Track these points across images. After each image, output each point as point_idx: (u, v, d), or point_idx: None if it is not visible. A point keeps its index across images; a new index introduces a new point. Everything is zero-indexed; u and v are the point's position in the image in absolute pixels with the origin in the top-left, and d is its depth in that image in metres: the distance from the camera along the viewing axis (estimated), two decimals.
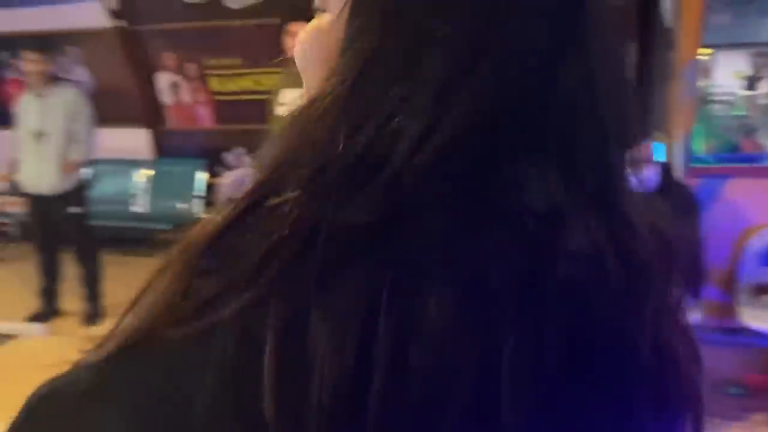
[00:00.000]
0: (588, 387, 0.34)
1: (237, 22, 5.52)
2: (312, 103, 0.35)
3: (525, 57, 0.34)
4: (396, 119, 0.32)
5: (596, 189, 0.35)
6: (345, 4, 0.36)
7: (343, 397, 0.30)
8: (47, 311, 4.40)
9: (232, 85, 5.88)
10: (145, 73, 6.00)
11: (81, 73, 6.09)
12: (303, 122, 0.35)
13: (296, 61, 0.42)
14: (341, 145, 0.33)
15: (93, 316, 4.35)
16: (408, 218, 0.32)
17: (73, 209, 4.22)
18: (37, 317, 4.34)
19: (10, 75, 6.38)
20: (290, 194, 0.33)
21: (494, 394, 0.31)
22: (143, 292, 0.36)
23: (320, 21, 0.40)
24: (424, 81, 0.33)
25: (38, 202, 4.25)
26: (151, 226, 5.70)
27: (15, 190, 6.49)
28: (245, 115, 5.61)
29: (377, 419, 0.30)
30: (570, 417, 0.33)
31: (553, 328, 0.32)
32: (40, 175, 4.17)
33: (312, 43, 0.40)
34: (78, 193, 4.25)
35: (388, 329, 0.30)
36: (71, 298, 4.50)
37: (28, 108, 4.21)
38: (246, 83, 5.79)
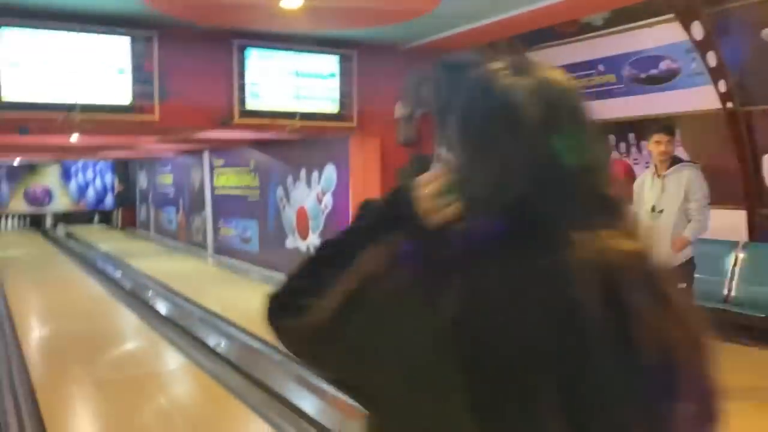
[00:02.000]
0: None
1: None
2: None
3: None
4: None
5: None
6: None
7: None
8: None
9: None
10: (751, 154, 5.83)
11: (682, 153, 6.31)
12: None
13: None
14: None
15: None
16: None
17: (679, 286, 4.32)
18: None
19: (614, 157, 7.07)
20: None
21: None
22: None
23: None
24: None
25: None
26: (742, 311, 5.47)
27: None
28: None
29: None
30: None
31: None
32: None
33: None
34: (684, 270, 4.36)
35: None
36: None
37: (646, 186, 4.55)
38: None
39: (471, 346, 0.73)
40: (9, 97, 5.60)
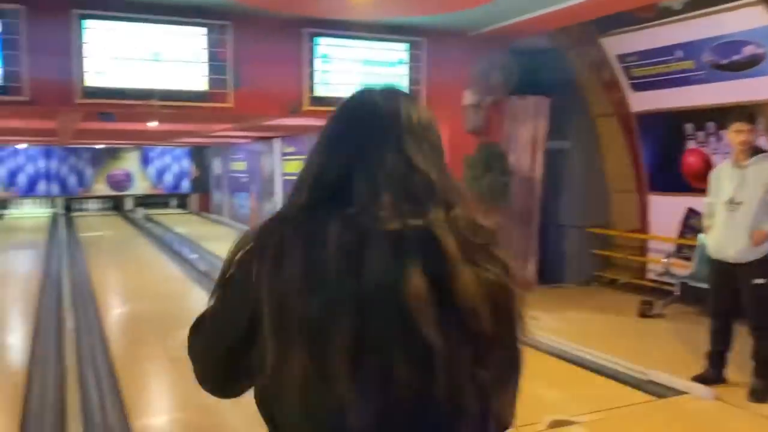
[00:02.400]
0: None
1: None
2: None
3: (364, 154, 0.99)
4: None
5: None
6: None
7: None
8: (713, 376, 4.44)
9: None
10: None
11: (765, 143, 6.02)
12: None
13: None
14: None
15: (761, 392, 4.17)
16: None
17: (758, 280, 4.16)
18: (702, 379, 4.43)
19: (691, 145, 6.82)
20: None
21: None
22: None
23: None
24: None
25: (722, 269, 4.36)
26: None
27: (682, 253, 6.86)
28: None
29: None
30: None
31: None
32: (729, 242, 4.28)
33: None
34: (764, 265, 4.18)
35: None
36: (739, 369, 4.45)
37: (724, 177, 4.38)
38: None
39: (278, 302, 0.91)
40: (93, 84, 5.88)
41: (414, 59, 7.00)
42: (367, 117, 1.02)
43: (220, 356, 1.03)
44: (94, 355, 5.29)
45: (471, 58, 7.04)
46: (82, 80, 5.81)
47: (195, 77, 6.24)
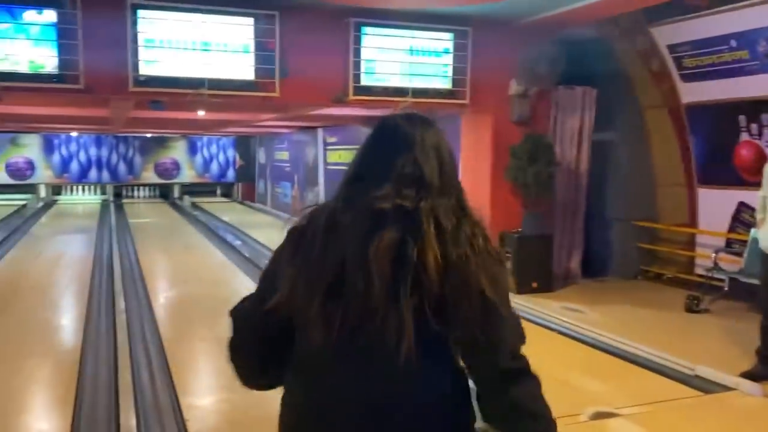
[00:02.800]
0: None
1: None
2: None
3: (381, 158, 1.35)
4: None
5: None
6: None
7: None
8: (763, 373, 4.35)
9: None
10: None
11: None
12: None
13: None
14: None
15: None
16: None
17: None
18: (751, 375, 4.34)
19: (744, 138, 6.64)
20: None
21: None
22: None
23: None
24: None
25: None
26: None
27: (732, 248, 6.70)
28: None
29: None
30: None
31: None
32: None
33: None
34: None
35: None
36: None
37: None
38: None
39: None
40: (145, 72, 6.04)
41: (459, 48, 6.97)
42: (388, 135, 1.37)
43: (253, 338, 1.42)
44: (145, 336, 5.46)
45: (517, 48, 6.98)
46: (135, 69, 5.97)
47: (243, 66, 6.35)
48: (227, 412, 3.85)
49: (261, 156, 19.43)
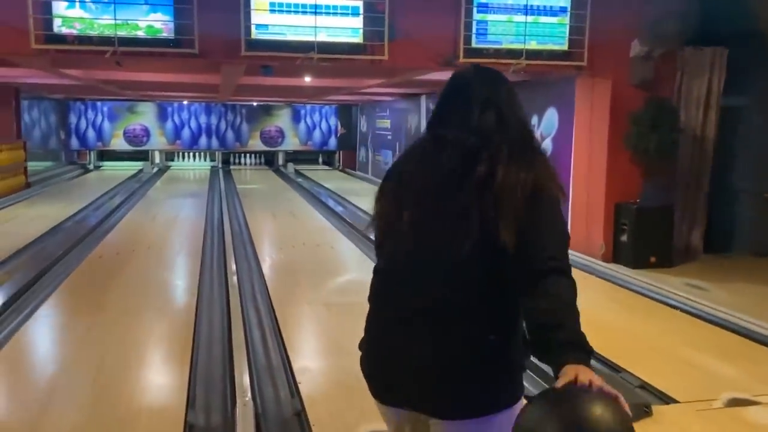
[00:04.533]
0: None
1: None
2: None
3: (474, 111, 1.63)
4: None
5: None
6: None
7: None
8: None
9: None
10: None
11: None
12: None
13: None
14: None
15: None
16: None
17: None
18: None
19: None
20: None
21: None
22: None
23: None
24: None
25: None
26: None
27: None
28: None
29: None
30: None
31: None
32: None
33: None
34: None
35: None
36: None
37: None
38: None
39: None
40: (257, 37, 6.06)
41: (576, 6, 6.57)
42: (461, 87, 1.69)
43: None
44: (255, 297, 5.56)
45: (640, 5, 6.48)
46: (247, 33, 6.00)
47: (352, 29, 6.25)
48: (338, 376, 3.83)
49: (362, 124, 19.48)
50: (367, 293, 1.69)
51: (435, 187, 1.56)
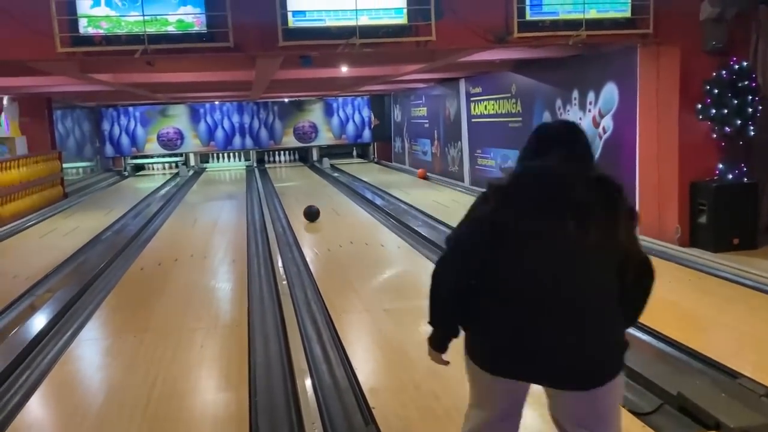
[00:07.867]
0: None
1: None
2: None
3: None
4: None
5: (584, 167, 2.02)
6: None
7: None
8: None
9: None
10: None
11: None
12: None
13: None
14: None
15: None
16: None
17: None
18: None
19: None
20: None
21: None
22: None
23: None
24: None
25: None
26: None
27: None
28: None
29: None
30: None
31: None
32: None
33: None
34: None
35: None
36: None
37: None
38: None
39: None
40: (295, 25, 5.64)
41: None
42: (552, 134, 2.09)
43: (459, 261, 2.01)
44: (310, 306, 5.16)
45: None
46: (284, 21, 5.58)
47: (396, 10, 5.79)
48: (413, 397, 3.39)
49: (396, 114, 18.99)
50: (425, 293, 2.00)
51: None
